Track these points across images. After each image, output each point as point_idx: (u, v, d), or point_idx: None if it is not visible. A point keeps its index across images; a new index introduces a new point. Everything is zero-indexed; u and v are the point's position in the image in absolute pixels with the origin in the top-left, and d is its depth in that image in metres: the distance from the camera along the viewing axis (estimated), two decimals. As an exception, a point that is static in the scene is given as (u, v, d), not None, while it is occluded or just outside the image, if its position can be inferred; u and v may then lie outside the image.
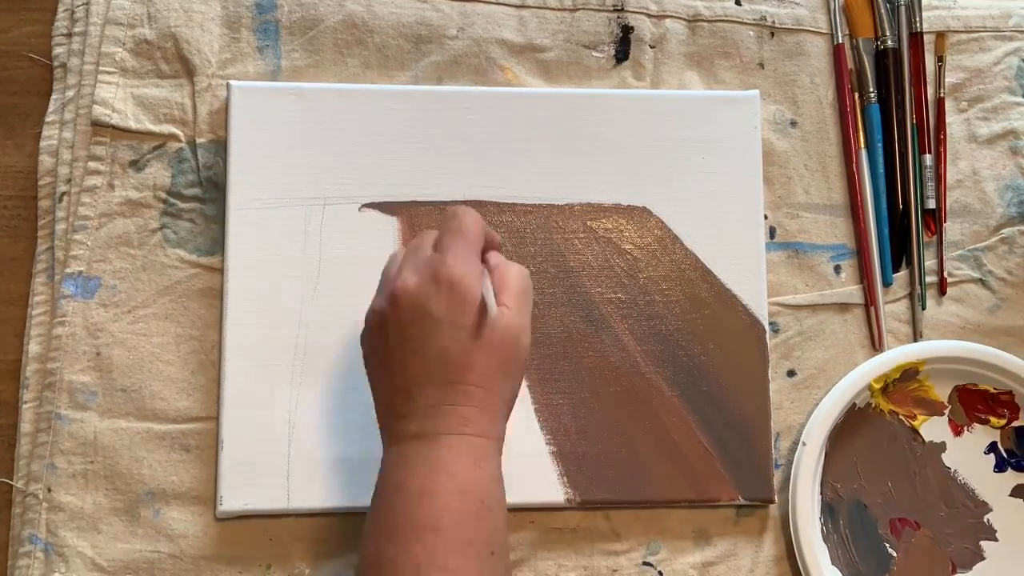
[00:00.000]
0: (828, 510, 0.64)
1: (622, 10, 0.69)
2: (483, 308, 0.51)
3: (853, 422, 0.66)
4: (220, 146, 0.65)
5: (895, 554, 0.65)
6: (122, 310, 0.63)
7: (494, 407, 0.52)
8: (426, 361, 0.51)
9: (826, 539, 0.64)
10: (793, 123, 0.69)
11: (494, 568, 0.49)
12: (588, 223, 0.65)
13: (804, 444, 0.64)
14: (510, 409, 0.54)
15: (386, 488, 0.51)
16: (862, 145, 0.69)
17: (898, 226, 0.69)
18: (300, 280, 0.63)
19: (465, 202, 0.64)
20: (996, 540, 0.65)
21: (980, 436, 0.67)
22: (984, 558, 0.65)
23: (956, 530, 0.65)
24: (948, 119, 0.71)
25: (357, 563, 0.55)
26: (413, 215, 0.64)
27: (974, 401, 0.67)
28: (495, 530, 0.50)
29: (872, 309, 0.68)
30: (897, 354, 0.65)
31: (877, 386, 0.65)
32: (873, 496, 0.65)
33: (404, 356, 0.51)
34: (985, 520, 0.66)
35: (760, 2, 0.71)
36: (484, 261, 0.54)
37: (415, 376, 0.51)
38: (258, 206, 0.63)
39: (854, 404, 0.65)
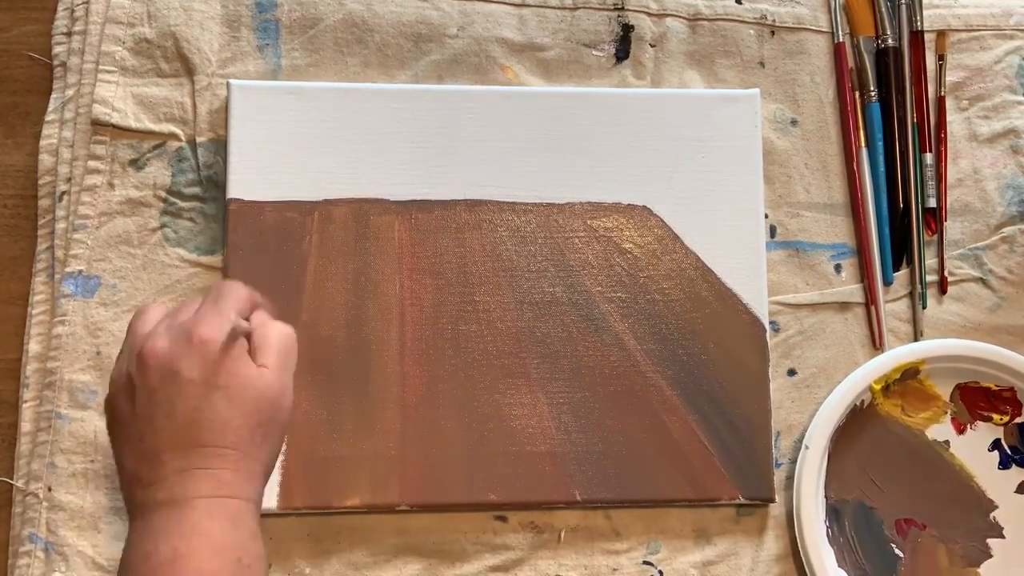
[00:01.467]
0: (833, 512, 0.64)
1: (622, 9, 0.69)
2: (231, 360, 0.49)
3: (856, 423, 0.66)
4: (220, 145, 0.65)
5: (902, 555, 0.65)
6: (122, 309, 0.63)
7: (251, 469, 0.49)
8: (176, 424, 0.48)
9: (832, 541, 0.64)
10: (793, 122, 0.69)
11: None
12: (588, 222, 0.65)
13: (807, 448, 0.64)
14: (269, 472, 0.51)
15: (133, 560, 0.47)
16: (863, 144, 0.69)
17: (899, 225, 0.69)
18: (300, 279, 0.63)
19: (465, 201, 0.64)
20: (1003, 537, 0.65)
21: (983, 433, 0.67)
22: (992, 556, 0.65)
23: (962, 529, 0.65)
24: (949, 118, 0.71)
25: None
26: (413, 214, 0.64)
27: (976, 399, 0.67)
28: None
29: (873, 308, 0.67)
30: (896, 354, 0.65)
31: (878, 387, 0.65)
32: (878, 497, 0.65)
33: (153, 421, 0.48)
34: (991, 518, 0.66)
35: (760, 1, 0.70)
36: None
37: (164, 441, 0.48)
38: (258, 205, 0.63)
39: (855, 405, 0.65)
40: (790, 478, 0.64)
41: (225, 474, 0.48)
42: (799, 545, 0.63)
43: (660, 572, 0.63)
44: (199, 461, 0.48)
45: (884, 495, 0.65)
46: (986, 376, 0.66)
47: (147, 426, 0.48)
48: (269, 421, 0.50)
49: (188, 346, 0.49)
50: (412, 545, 0.62)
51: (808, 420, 0.65)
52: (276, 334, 0.52)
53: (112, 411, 0.50)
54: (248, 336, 0.51)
